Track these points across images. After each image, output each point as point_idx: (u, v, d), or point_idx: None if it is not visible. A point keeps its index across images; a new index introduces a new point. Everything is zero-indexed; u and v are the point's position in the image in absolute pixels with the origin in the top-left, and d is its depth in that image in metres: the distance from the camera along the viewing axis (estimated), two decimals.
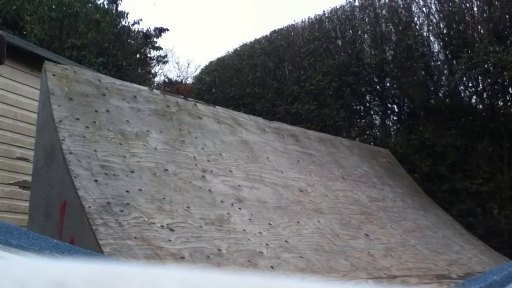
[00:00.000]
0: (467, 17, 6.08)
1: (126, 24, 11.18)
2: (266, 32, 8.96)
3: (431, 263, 3.51)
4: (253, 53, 8.58)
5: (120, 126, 2.83)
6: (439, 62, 6.51)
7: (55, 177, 2.51)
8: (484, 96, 6.07)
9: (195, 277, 0.27)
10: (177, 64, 19.50)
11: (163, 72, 24.09)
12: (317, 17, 7.86)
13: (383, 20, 6.99)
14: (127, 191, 2.45)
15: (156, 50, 11.82)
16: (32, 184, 2.92)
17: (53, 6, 9.73)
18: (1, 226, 0.58)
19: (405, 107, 6.89)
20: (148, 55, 11.93)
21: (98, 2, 10.97)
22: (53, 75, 2.77)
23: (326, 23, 7.73)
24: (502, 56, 5.25)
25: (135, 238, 2.21)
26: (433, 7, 6.53)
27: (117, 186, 2.44)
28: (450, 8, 6.23)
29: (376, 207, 3.97)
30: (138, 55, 11.41)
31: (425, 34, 6.54)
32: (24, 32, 8.81)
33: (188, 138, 3.18)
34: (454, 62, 6.13)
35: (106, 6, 11.02)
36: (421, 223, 4.16)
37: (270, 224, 2.95)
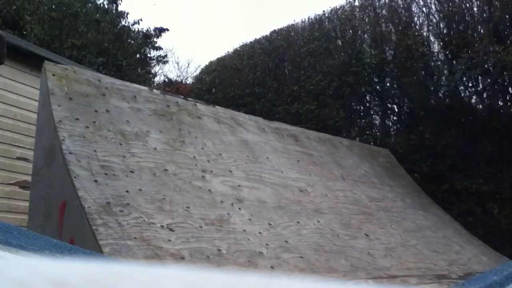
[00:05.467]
0: (467, 17, 6.08)
1: (126, 24, 11.17)
2: (266, 32, 8.98)
3: (431, 263, 3.51)
4: (253, 53, 8.58)
5: (120, 126, 2.83)
6: (439, 62, 6.51)
7: (55, 177, 2.51)
8: (484, 96, 6.08)
9: (195, 277, 0.27)
10: (177, 64, 19.45)
11: (163, 72, 24.06)
12: (317, 17, 7.86)
13: (383, 20, 6.99)
14: (127, 191, 2.45)
15: (156, 50, 11.81)
16: (32, 184, 2.92)
17: (53, 6, 9.72)
18: (1, 226, 0.58)
19: (405, 107, 6.89)
20: (148, 55, 11.92)
21: (98, 2, 10.96)
22: (53, 75, 2.77)
23: (326, 23, 7.73)
24: (502, 56, 5.25)
25: (135, 238, 2.21)
26: (433, 7, 6.54)
27: (117, 186, 2.44)
28: (450, 8, 6.23)
29: (376, 207, 3.97)
30: (138, 55, 11.40)
31: (425, 34, 6.55)
32: (24, 32, 8.80)
33: (188, 138, 3.18)
34: (454, 62, 6.13)
35: (106, 6, 11.01)
36: (421, 223, 4.16)
37: (270, 224, 2.95)
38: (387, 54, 6.77)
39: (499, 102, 5.94)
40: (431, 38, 6.54)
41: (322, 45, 7.32)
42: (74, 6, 9.69)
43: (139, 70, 11.24)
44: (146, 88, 3.44)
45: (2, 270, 0.25)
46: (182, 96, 3.69)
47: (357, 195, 3.98)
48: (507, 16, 5.71)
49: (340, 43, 7.38)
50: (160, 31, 11.48)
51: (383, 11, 7.04)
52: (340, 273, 2.85)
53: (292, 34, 8.17)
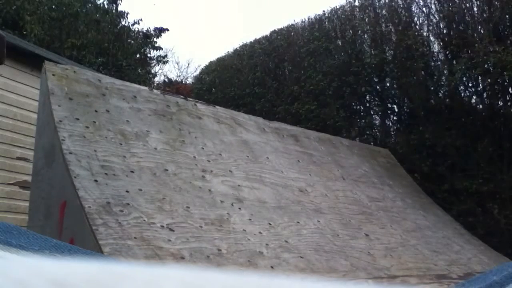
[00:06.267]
0: (467, 17, 6.08)
1: (126, 24, 11.17)
2: (266, 32, 8.97)
3: (431, 263, 3.51)
4: (253, 53, 8.58)
5: (120, 126, 2.83)
6: (439, 62, 6.51)
7: (55, 177, 2.51)
8: (484, 96, 6.08)
9: (195, 277, 0.27)
10: (177, 64, 19.49)
11: (163, 72, 24.08)
12: (317, 17, 7.86)
13: (383, 20, 6.99)
14: (127, 191, 2.45)
15: (156, 50, 11.81)
16: (32, 184, 2.92)
17: (53, 6, 9.72)
18: (1, 226, 0.58)
19: (405, 107, 6.89)
20: (148, 55, 11.92)
21: (98, 2, 10.96)
22: (53, 75, 2.77)
23: (326, 23, 7.73)
24: (502, 56, 5.25)
25: (135, 238, 2.21)
26: (433, 7, 6.53)
27: (117, 186, 2.44)
28: (450, 8, 6.23)
29: (376, 207, 3.97)
30: (138, 55, 11.40)
31: (425, 34, 6.55)
32: (24, 32, 8.80)
33: (188, 138, 3.18)
34: (454, 62, 6.13)
35: (106, 6, 11.01)
36: (421, 223, 4.16)
37: (270, 224, 2.95)
38: (387, 54, 6.77)
39: (499, 102, 5.94)
40: (431, 38, 6.54)
41: (322, 45, 7.32)
42: (74, 6, 9.69)
43: (139, 70, 11.24)
44: (146, 88, 3.44)
45: (2, 270, 0.25)
46: (182, 96, 3.69)
47: (357, 195, 3.98)
48: (507, 16, 5.71)
49: (340, 43, 7.38)
50: (160, 31, 11.48)
51: (383, 11, 7.04)
52: (340, 273, 2.85)
53: (292, 34, 8.17)
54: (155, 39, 11.53)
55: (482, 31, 5.81)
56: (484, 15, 5.83)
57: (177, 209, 2.57)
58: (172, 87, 12.16)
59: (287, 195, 3.36)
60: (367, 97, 7.21)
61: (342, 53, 7.19)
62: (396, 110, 7.05)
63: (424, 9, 6.61)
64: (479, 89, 6.13)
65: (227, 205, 2.87)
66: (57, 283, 0.23)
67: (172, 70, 28.18)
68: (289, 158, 3.82)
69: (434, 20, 6.50)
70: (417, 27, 6.64)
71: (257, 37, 8.80)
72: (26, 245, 0.55)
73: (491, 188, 5.33)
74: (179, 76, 15.40)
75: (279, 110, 7.45)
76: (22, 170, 4.85)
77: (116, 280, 0.25)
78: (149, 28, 11.43)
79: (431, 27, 6.52)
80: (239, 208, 2.91)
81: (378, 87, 7.04)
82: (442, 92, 6.35)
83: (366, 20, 7.18)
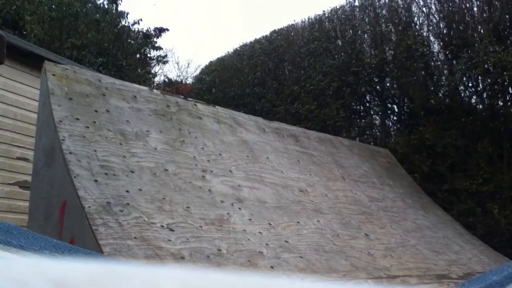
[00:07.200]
0: (467, 17, 6.08)
1: (126, 24, 11.17)
2: (266, 32, 8.98)
3: (431, 263, 3.51)
4: (253, 53, 8.58)
5: (120, 126, 2.83)
6: (439, 62, 6.51)
7: (55, 177, 2.51)
8: (484, 96, 6.08)
9: (195, 277, 0.27)
10: (177, 64, 19.50)
11: (163, 72, 24.09)
12: (317, 17, 7.86)
13: (383, 20, 6.99)
14: (127, 191, 2.45)
15: (156, 50, 11.81)
16: (32, 184, 2.92)
17: (53, 6, 9.72)
18: (1, 226, 0.58)
19: (405, 107, 6.89)
20: (148, 55, 11.92)
21: (98, 2, 10.96)
22: (53, 75, 2.77)
23: (326, 23, 7.73)
24: (502, 56, 5.25)
25: (135, 238, 2.21)
26: (433, 7, 6.54)
27: (117, 186, 2.44)
28: (450, 8, 6.23)
29: (376, 207, 3.97)
30: (138, 55, 11.40)
31: (425, 34, 6.55)
32: (24, 32, 8.81)
33: (188, 138, 3.18)
34: (454, 62, 6.13)
35: (106, 6, 11.01)
36: (421, 223, 4.16)
37: (270, 224, 2.95)
38: (387, 54, 6.77)
39: (499, 102, 5.94)
40: (431, 38, 6.54)
41: (322, 45, 7.32)
42: (74, 6, 9.69)
43: (139, 70, 11.24)
44: (146, 88, 3.44)
45: (2, 270, 0.25)
46: (182, 96, 3.69)
47: (357, 195, 3.98)
48: (507, 16, 5.71)
49: (340, 43, 7.38)
50: (160, 31, 11.48)
51: (383, 11, 7.04)
52: (340, 273, 2.85)
53: (292, 34, 8.17)
54: (155, 39, 11.54)
55: (482, 31, 5.81)
56: (484, 15, 5.83)
57: (177, 209, 2.57)
58: (172, 87, 12.16)
59: (287, 195, 3.36)
60: (367, 97, 7.21)
61: (342, 53, 7.19)
62: (396, 110, 7.06)
63: (424, 9, 6.62)
64: (479, 89, 6.13)
65: (227, 205, 2.87)
66: (57, 283, 0.23)
67: (172, 70, 28.21)
68: (289, 158, 3.82)
69: (434, 20, 6.50)
70: (417, 27, 6.65)
71: (257, 37, 8.81)
72: (26, 245, 0.55)
73: (491, 188, 5.33)
74: (179, 76, 15.40)
75: (279, 110, 7.46)
76: (22, 170, 4.85)
77: (116, 280, 0.25)
78: (149, 28, 11.44)
79: (431, 27, 6.52)
80: (239, 208, 2.91)
81: (378, 87, 7.04)
82: (442, 92, 6.35)
83: (366, 20, 7.18)
